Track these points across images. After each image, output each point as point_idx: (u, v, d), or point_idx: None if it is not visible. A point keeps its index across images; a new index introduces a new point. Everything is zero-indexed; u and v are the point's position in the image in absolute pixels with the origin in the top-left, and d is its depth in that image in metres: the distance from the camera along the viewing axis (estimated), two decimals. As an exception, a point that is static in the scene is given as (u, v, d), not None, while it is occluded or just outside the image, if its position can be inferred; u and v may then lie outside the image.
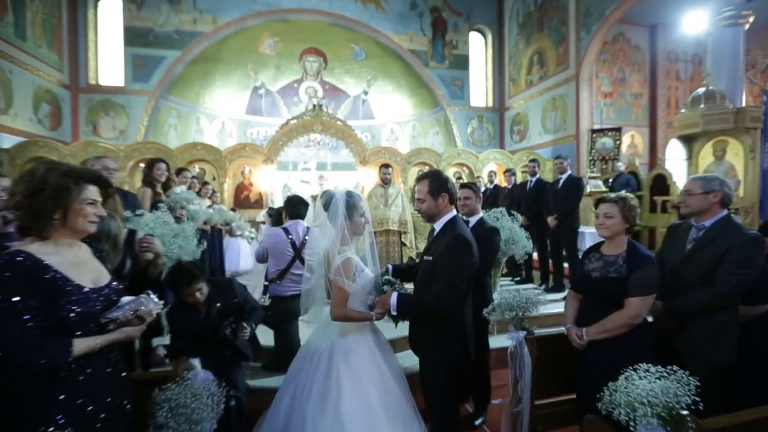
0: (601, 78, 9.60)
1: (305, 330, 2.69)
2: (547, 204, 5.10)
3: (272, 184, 8.83)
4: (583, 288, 2.14)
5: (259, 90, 12.77)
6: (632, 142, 9.76)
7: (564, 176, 5.02)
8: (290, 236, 2.80)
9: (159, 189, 3.64)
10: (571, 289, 2.26)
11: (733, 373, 2.07)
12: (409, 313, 1.96)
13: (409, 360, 3.11)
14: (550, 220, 4.90)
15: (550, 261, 5.26)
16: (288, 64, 12.87)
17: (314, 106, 8.54)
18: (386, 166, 5.27)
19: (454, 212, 2.07)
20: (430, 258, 1.96)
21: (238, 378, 2.48)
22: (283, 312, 2.72)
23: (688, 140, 6.19)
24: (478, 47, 12.99)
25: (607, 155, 8.54)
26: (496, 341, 3.00)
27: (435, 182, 2.00)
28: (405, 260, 4.93)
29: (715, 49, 6.17)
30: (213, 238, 5.84)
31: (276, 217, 3.15)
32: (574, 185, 4.88)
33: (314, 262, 2.07)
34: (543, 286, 5.35)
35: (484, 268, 2.62)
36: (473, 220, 2.71)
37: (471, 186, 2.77)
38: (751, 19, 5.93)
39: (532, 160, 5.62)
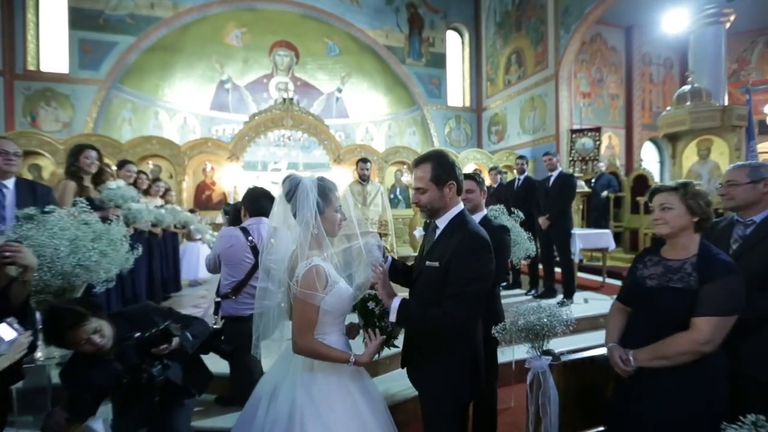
0: (580, 78, 9.52)
1: (271, 354, 1.83)
2: (537, 203, 4.75)
3: (238, 184, 8.11)
4: (634, 299, 1.66)
5: (225, 84, 11.95)
6: (610, 143, 9.73)
7: (555, 173, 4.69)
8: (250, 238, 2.21)
9: (87, 182, 2.96)
10: (618, 300, 1.78)
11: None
12: (410, 323, 1.50)
13: (397, 384, 2.60)
14: (542, 221, 4.54)
15: (540, 264, 4.91)
16: (256, 58, 12.13)
17: (284, 99, 7.90)
18: (364, 160, 4.75)
19: (462, 205, 1.59)
20: (435, 264, 1.48)
21: (179, 424, 1.89)
22: (240, 336, 2.13)
23: (672, 139, 6.06)
24: (455, 46, 12.75)
25: (587, 155, 8.39)
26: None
27: (440, 166, 1.52)
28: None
29: (696, 48, 6.10)
30: (165, 242, 5.12)
31: (234, 215, 2.53)
32: (567, 183, 4.55)
33: (276, 268, 1.52)
34: (532, 292, 5.00)
35: (496, 275, 2.16)
36: (477, 217, 2.22)
37: (474, 177, 2.30)
38: (732, 18, 5.89)
39: (520, 157, 5.28)
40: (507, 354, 2.64)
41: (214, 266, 2.32)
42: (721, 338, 1.43)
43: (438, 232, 1.57)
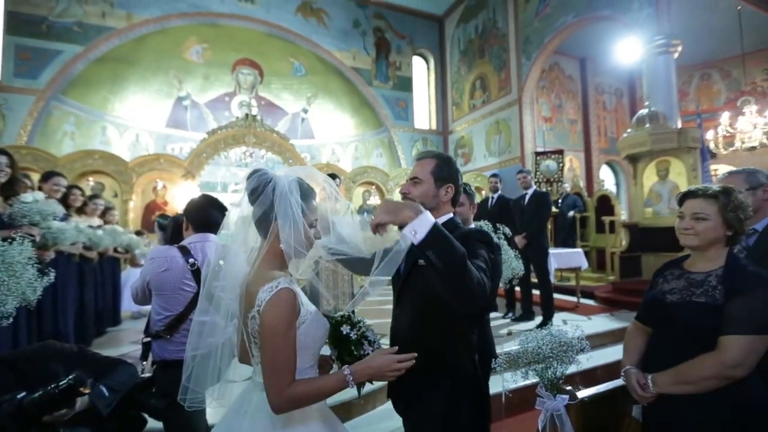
0: (541, 103, 9.88)
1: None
2: (513, 222, 4.61)
3: (193, 204, 7.49)
4: (654, 317, 1.46)
5: (183, 101, 11.36)
6: (571, 165, 10.06)
7: (530, 191, 4.60)
8: (191, 260, 1.74)
9: (-6, 194, 2.42)
10: (636, 318, 1.57)
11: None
12: (440, 252, 1.01)
13: (375, 428, 2.21)
14: (518, 240, 4.38)
15: (518, 286, 4.72)
16: (218, 75, 11.69)
17: (247, 115, 7.51)
18: (332, 176, 4.42)
19: (452, 215, 1.40)
20: None
21: None
22: (177, 387, 1.66)
23: (633, 161, 6.26)
24: (421, 70, 12.99)
25: (552, 177, 8.58)
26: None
27: (445, 165, 1.37)
28: (356, 290, 4.05)
29: (649, 76, 6.43)
30: (102, 268, 4.47)
31: (172, 230, 2.02)
32: (543, 201, 4.47)
33: (226, 297, 1.14)
34: (509, 315, 4.78)
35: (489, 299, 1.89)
36: (464, 232, 1.98)
37: (465, 189, 2.06)
38: (680, 49, 6.29)
39: (494, 175, 5.18)
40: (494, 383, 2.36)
41: (142, 296, 1.79)
42: (754, 361, 1.24)
43: None
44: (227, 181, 12.56)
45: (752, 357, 1.23)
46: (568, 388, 1.46)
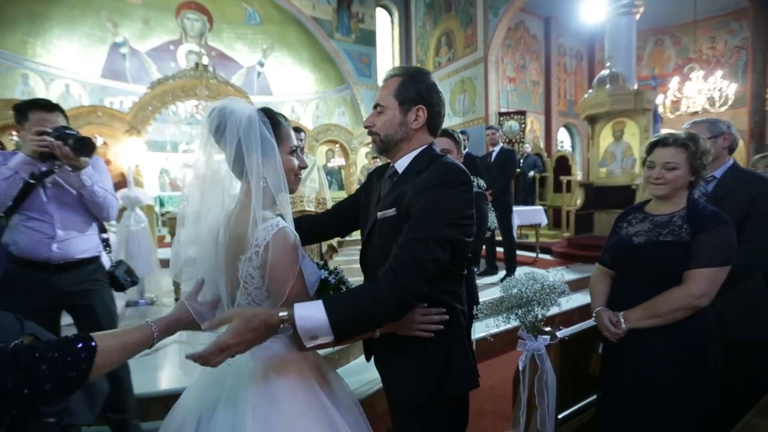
0: (506, 63, 9.82)
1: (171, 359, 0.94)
2: (480, 179, 4.65)
3: (140, 163, 6.87)
4: (620, 259, 1.53)
5: (120, 47, 10.16)
6: (531, 126, 10.26)
7: (496, 149, 4.63)
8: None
9: None
10: (599, 263, 1.65)
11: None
12: (349, 324, 0.93)
13: (349, 380, 2.23)
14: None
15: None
16: (160, 20, 10.51)
17: (197, 64, 6.82)
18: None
19: (432, 143, 1.15)
20: (391, 212, 1.05)
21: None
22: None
23: (592, 122, 6.45)
24: (384, 24, 12.39)
25: (514, 138, 8.73)
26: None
27: (409, 83, 1.07)
28: (325, 250, 3.97)
29: (612, 37, 6.52)
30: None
31: None
32: (509, 158, 4.51)
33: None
34: (474, 270, 4.93)
35: (473, 249, 1.87)
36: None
37: (452, 134, 1.97)
38: (642, 10, 6.39)
39: (463, 132, 5.13)
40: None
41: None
42: (715, 291, 1.36)
43: (394, 177, 1.12)
44: (177, 140, 11.67)
45: (714, 287, 1.35)
46: (548, 329, 1.49)
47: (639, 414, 1.39)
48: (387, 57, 12.42)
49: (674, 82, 8.62)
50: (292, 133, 1.08)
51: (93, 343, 0.74)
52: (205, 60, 8.18)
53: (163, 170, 11.40)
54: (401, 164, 1.12)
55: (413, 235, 0.94)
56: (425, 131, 1.12)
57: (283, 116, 1.08)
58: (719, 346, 1.41)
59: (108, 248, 1.97)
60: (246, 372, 0.99)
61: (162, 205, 9.56)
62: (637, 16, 6.43)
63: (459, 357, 1.08)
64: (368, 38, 11.79)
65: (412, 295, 0.92)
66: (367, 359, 1.26)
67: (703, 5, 9.19)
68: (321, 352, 1.22)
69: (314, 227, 1.36)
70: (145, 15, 10.17)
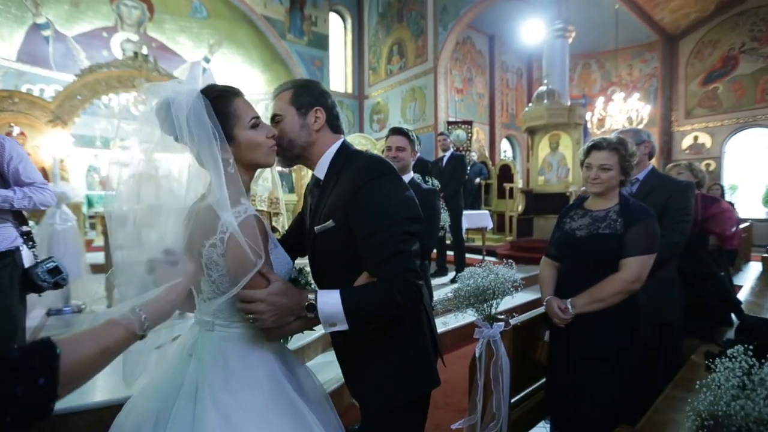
0: (454, 75, 10.29)
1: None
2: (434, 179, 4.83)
3: (65, 158, 6.20)
4: (565, 251, 1.71)
5: (42, 29, 9.15)
6: (477, 136, 10.82)
7: (447, 154, 4.84)
8: None
9: None
10: (546, 256, 1.81)
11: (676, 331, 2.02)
12: (363, 322, 0.99)
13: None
14: (437, 200, 4.62)
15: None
16: (91, 3, 9.66)
17: (136, 53, 6.34)
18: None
19: (342, 138, 1.16)
20: (328, 224, 1.05)
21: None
22: None
23: (531, 133, 6.97)
24: (337, 29, 12.41)
25: (461, 146, 9.15)
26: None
27: (302, 91, 1.10)
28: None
29: (549, 56, 7.13)
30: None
31: None
32: (459, 163, 4.74)
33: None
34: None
35: (427, 245, 1.94)
36: (404, 179, 1.97)
37: (407, 133, 2.03)
38: (573, 35, 7.06)
39: (415, 138, 5.30)
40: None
41: None
42: (645, 276, 1.56)
43: (318, 185, 1.13)
44: (109, 135, 10.69)
45: (645, 272, 1.55)
46: (502, 317, 1.60)
47: (581, 392, 1.54)
48: (339, 62, 12.44)
49: (600, 101, 9.62)
50: (248, 104, 1.02)
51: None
52: (144, 50, 7.64)
53: (91, 167, 10.41)
54: (321, 171, 1.12)
55: (378, 230, 0.97)
56: (328, 131, 1.13)
57: (234, 88, 1.02)
58: (645, 328, 1.61)
59: (30, 242, 1.77)
60: (206, 364, 0.95)
61: (91, 205, 8.70)
62: (570, 40, 7.10)
63: (422, 358, 1.12)
64: (321, 42, 11.73)
65: (417, 279, 0.98)
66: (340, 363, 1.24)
67: (623, 35, 10.35)
68: (290, 346, 1.20)
69: None
70: (73, -3, 9.28)
